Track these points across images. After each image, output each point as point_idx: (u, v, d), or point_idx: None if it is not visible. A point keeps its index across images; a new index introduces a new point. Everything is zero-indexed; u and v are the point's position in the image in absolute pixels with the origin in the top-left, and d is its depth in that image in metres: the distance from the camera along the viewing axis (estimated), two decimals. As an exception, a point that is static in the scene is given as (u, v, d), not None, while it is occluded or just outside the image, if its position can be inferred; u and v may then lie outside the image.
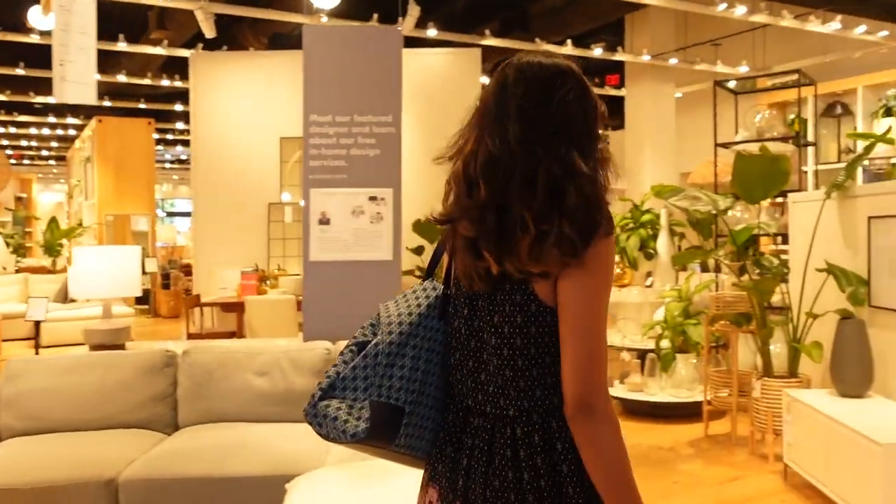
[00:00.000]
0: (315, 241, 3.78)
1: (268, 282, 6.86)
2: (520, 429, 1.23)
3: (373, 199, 3.79)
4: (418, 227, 8.35)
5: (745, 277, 4.23)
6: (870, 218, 3.70)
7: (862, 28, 7.88)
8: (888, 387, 3.59)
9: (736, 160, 3.92)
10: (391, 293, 3.99)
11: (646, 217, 6.03)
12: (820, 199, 4.03)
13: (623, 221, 6.08)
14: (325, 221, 3.78)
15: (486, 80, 8.92)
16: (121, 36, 7.73)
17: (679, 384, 5.17)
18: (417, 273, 8.43)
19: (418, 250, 8.36)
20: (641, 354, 5.57)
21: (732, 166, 3.95)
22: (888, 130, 4.29)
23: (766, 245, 8.11)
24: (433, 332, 1.34)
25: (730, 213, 5.87)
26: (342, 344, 3.24)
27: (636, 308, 5.82)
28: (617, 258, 6.02)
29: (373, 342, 1.31)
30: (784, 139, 5.39)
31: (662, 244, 5.80)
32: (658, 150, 10.33)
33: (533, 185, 1.19)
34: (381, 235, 3.79)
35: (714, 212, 4.12)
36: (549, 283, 1.20)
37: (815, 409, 3.44)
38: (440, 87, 8.85)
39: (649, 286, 5.86)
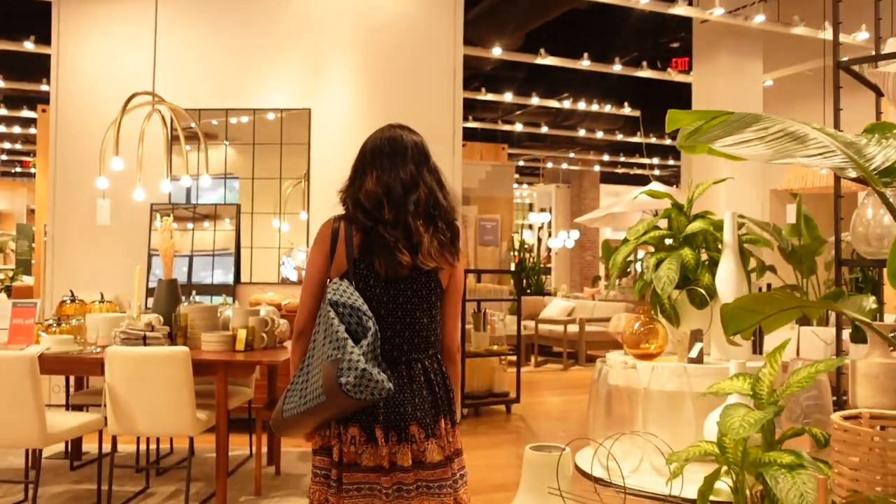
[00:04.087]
0: None
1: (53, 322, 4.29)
2: (428, 362, 2.13)
3: None
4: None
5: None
6: None
7: None
8: None
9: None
10: None
11: (695, 226, 3.15)
12: None
13: (649, 235, 3.21)
14: None
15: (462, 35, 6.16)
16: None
17: None
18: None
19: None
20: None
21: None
22: None
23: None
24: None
25: None
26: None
27: (668, 404, 2.91)
28: (628, 302, 3.13)
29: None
30: None
31: (727, 279, 2.92)
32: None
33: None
34: None
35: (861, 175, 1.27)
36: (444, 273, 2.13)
37: None
38: (408, 36, 6.21)
39: (696, 359, 2.94)
